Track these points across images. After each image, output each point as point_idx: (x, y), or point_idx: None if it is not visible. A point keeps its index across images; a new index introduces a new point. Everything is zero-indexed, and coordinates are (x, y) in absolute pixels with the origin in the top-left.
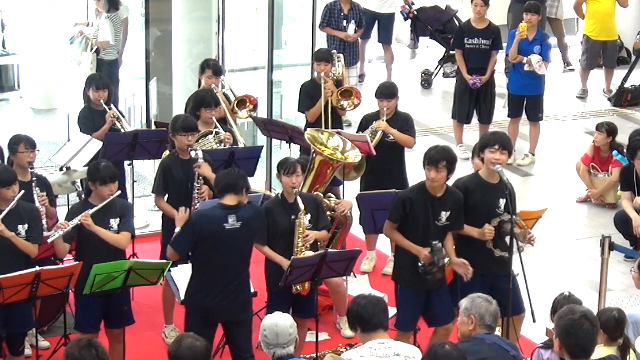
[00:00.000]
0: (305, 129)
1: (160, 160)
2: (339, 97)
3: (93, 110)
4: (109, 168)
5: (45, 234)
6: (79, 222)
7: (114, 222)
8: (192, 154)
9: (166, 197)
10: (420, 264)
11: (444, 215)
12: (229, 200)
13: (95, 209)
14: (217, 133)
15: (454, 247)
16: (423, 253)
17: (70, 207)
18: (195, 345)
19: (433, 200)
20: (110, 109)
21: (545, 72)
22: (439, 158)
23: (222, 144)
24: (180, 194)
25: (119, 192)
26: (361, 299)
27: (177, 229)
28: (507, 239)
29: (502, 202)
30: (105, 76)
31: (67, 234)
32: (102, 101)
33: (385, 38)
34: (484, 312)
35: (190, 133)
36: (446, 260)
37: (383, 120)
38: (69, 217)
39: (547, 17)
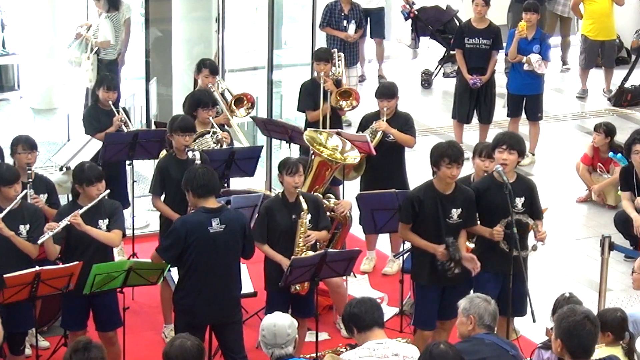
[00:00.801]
0: (305, 129)
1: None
2: (338, 98)
3: (99, 109)
4: (93, 168)
5: None
6: (68, 223)
7: (103, 223)
8: (190, 154)
9: (163, 197)
10: (438, 262)
11: (455, 213)
12: (211, 203)
13: (84, 208)
14: (214, 133)
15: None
16: (439, 251)
17: (59, 208)
18: (185, 345)
19: (442, 199)
20: (119, 112)
21: (545, 72)
22: (459, 155)
23: (220, 144)
24: (177, 194)
25: (108, 191)
26: (352, 301)
27: None
28: (526, 237)
29: (518, 201)
30: (115, 78)
31: (57, 235)
32: (110, 102)
33: (378, 32)
34: (483, 312)
35: (187, 133)
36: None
37: (383, 120)
38: (58, 219)
39: (560, 16)
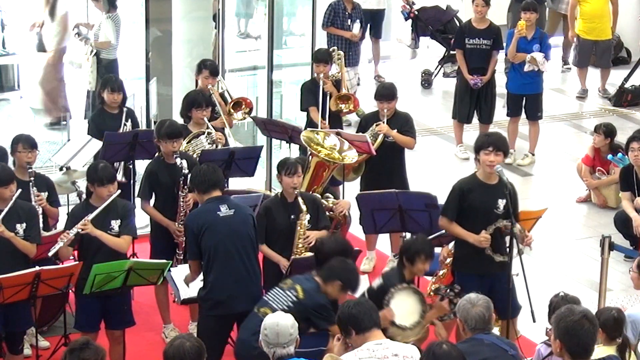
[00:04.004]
0: (305, 129)
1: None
2: (337, 101)
3: (105, 113)
4: (106, 169)
5: (45, 234)
6: (79, 231)
7: (115, 224)
8: (177, 161)
9: (152, 201)
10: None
11: None
12: (215, 194)
13: (94, 213)
14: (208, 134)
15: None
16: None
17: (71, 209)
18: (184, 346)
19: None
20: (130, 115)
21: (547, 70)
22: (432, 251)
23: (214, 145)
24: (167, 198)
25: (119, 191)
26: (350, 302)
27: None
28: (507, 239)
29: (501, 202)
30: (120, 79)
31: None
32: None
33: (379, 32)
34: (466, 315)
35: (175, 140)
36: (448, 260)
37: (384, 122)
38: (70, 220)
39: (563, 15)
